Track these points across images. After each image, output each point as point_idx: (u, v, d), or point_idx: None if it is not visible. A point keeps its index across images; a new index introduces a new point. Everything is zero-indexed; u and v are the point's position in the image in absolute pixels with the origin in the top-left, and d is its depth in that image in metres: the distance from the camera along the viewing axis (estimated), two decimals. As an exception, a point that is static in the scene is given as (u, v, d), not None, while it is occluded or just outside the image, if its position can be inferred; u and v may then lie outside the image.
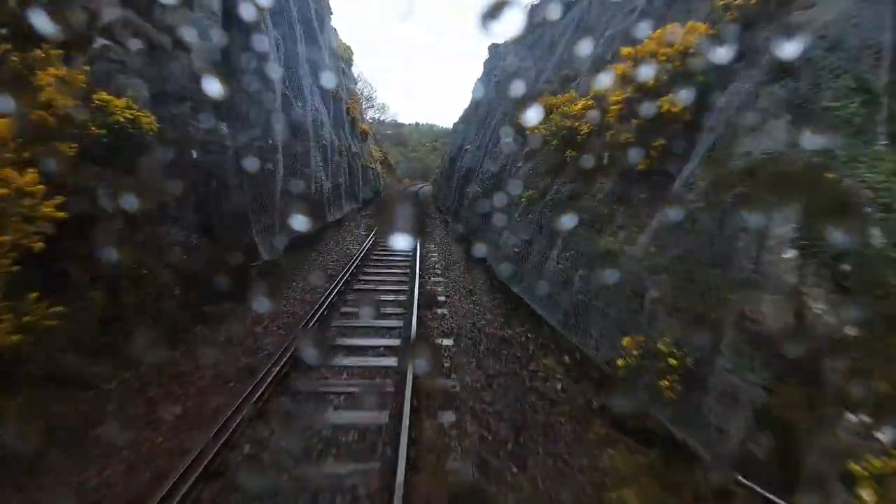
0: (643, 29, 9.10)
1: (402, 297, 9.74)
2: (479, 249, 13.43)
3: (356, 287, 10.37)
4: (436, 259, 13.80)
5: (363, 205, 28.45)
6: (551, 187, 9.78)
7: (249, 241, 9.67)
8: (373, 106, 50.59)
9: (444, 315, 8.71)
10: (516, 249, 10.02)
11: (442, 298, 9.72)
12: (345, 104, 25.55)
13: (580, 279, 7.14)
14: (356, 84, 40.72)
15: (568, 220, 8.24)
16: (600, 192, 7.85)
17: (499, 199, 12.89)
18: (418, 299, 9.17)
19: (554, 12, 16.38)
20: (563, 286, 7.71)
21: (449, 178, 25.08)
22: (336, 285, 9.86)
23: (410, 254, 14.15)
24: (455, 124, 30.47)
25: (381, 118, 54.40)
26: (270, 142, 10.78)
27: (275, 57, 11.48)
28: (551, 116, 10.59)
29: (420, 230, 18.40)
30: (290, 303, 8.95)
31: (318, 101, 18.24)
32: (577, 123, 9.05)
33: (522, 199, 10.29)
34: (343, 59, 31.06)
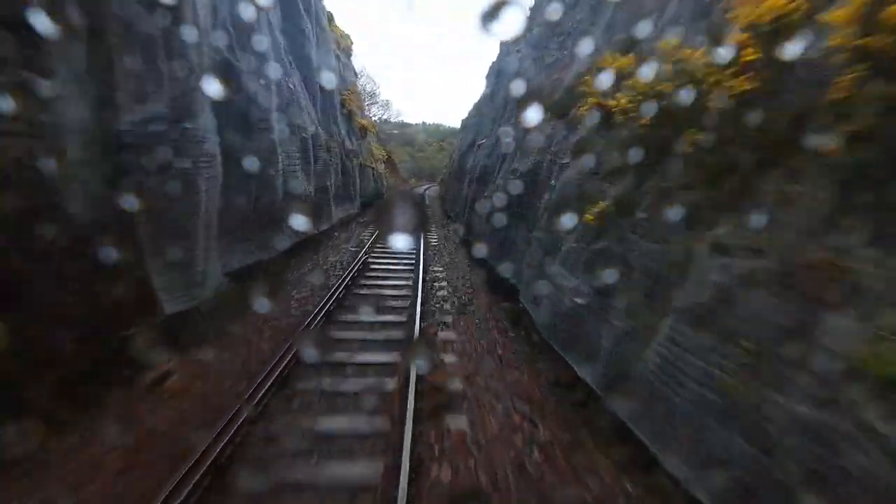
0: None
1: (390, 383, 5.63)
2: (509, 281, 9.31)
3: (319, 358, 6.28)
4: (445, 293, 9.67)
5: (361, 209, 24.41)
6: (640, 196, 5.60)
7: (139, 285, 5.64)
8: (376, 102, 46.56)
9: (464, 438, 4.57)
10: (579, 300, 5.86)
11: (457, 386, 5.59)
12: (338, 94, 21.49)
13: (793, 426, 2.97)
14: (357, 78, 36.71)
15: (717, 268, 4.05)
16: (800, 212, 3.65)
17: (537, 213, 8.76)
18: (415, 392, 5.09)
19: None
20: (724, 416, 3.54)
21: (459, 178, 20.91)
22: (282, 360, 5.81)
23: (410, 282, 10.06)
24: (464, 120, 26.31)
25: (385, 116, 50.32)
26: (190, 127, 6.70)
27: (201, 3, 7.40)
28: (631, 83, 6.42)
29: (424, 244, 14.27)
30: (185, 408, 4.86)
31: (298, 84, 14.19)
32: (701, 86, 4.87)
33: (588, 217, 6.10)
34: (340, 46, 26.99)
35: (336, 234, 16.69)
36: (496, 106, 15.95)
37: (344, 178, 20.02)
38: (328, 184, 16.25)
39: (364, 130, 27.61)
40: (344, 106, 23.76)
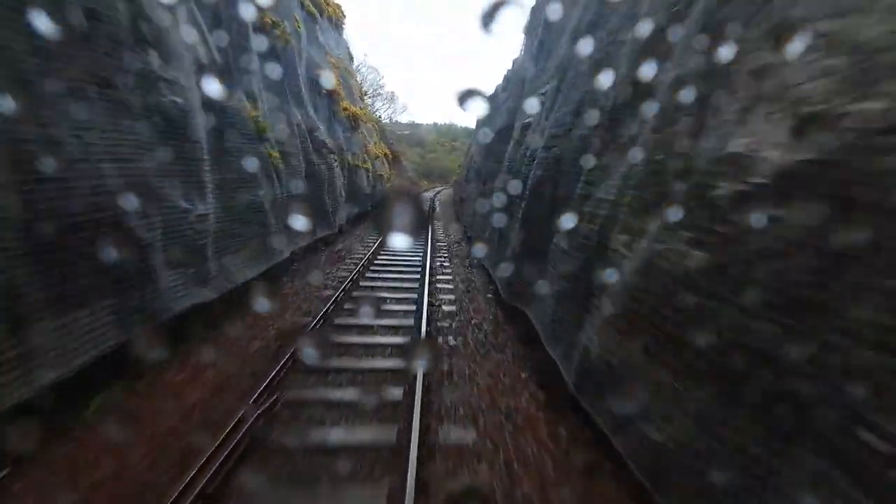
0: None
1: None
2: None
3: None
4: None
5: (354, 219, 17.27)
6: None
7: None
8: (380, 94, 39.36)
9: None
10: None
11: None
12: (306, 62, 14.26)
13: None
14: (352, 62, 29.48)
15: None
16: None
17: None
18: None
19: None
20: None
21: (486, 178, 13.42)
22: None
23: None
24: (490, 97, 18.77)
25: (391, 111, 43.11)
26: None
27: None
28: None
29: (427, 320, 6.89)
30: None
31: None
32: None
33: None
34: (321, 10, 19.67)
35: (287, 282, 9.42)
36: (560, 57, 8.36)
37: (315, 183, 12.76)
38: (266, 199, 8.96)
39: (355, 120, 20.33)
40: (322, 85, 16.55)
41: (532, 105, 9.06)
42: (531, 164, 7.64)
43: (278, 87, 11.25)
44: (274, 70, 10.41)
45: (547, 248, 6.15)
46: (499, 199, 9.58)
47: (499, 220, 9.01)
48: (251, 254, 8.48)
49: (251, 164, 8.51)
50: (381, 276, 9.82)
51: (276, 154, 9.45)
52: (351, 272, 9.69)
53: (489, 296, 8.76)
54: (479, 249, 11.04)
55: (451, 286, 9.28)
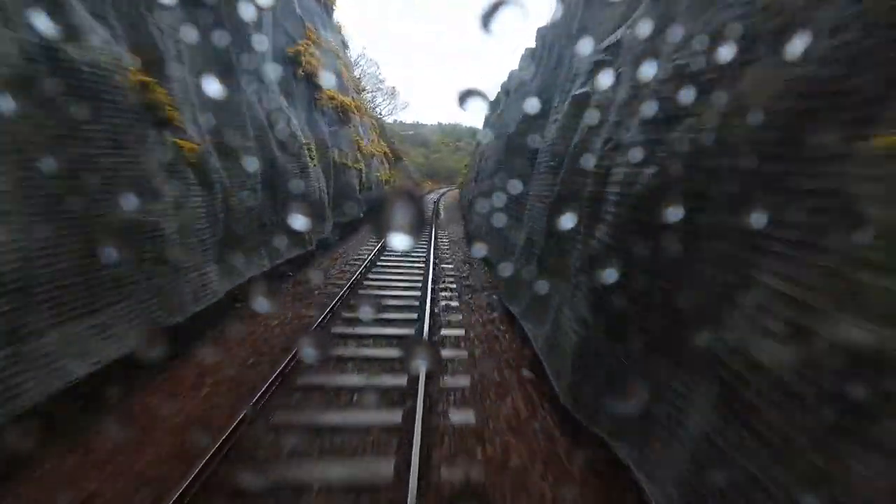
0: None
1: None
2: None
3: None
4: None
5: (337, 231, 13.88)
6: None
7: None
8: (380, 89, 35.94)
9: None
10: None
11: None
12: (264, 28, 10.86)
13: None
14: (347, 50, 26.05)
15: None
16: None
17: None
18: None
19: None
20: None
21: (503, 180, 9.91)
22: None
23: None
24: (505, 84, 15.28)
25: (392, 108, 39.69)
26: None
27: None
28: None
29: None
30: None
31: None
32: None
33: None
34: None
35: (202, 347, 5.99)
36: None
37: (273, 189, 9.30)
38: (171, 217, 5.53)
39: (345, 112, 16.90)
40: (299, 64, 13.19)
41: (589, 63, 5.55)
42: (608, 155, 4.16)
43: (218, 53, 7.85)
44: (201, 20, 6.96)
45: (678, 331, 2.71)
46: (530, 216, 6.10)
47: (521, 241, 5.56)
48: (137, 308, 5.09)
49: (139, 160, 5.12)
50: (355, 329, 6.38)
51: (191, 146, 6.01)
52: (310, 324, 6.27)
53: (525, 373, 5.31)
54: (499, 277, 7.58)
55: (463, 352, 5.84)
